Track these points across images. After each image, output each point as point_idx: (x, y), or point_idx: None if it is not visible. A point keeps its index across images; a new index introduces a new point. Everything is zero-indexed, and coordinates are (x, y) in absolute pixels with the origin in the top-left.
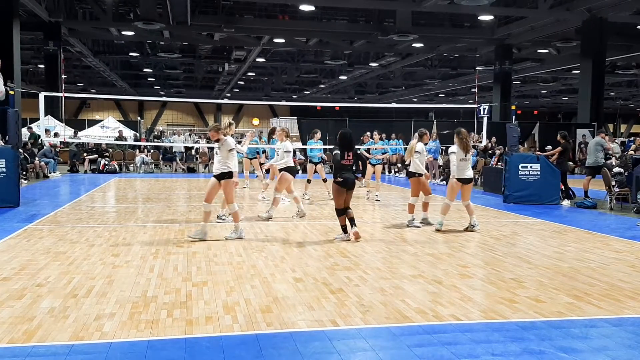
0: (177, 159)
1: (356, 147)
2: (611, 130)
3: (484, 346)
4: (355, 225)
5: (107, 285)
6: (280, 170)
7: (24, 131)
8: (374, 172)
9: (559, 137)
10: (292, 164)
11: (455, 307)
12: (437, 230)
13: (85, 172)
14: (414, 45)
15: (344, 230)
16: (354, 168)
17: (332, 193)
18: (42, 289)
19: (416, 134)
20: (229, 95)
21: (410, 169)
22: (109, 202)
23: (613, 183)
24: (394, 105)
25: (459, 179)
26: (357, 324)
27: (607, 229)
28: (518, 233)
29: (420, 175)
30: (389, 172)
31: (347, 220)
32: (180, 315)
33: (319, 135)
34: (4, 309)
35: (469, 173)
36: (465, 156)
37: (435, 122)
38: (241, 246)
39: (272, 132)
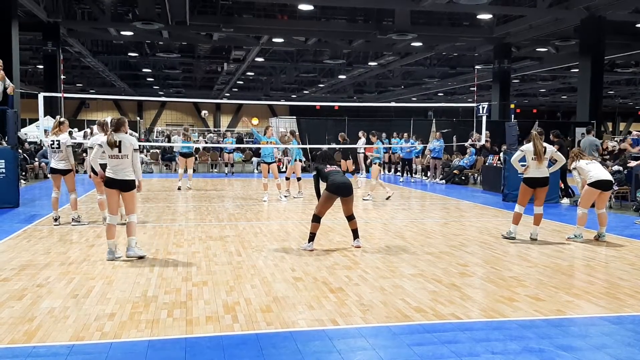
0: (177, 159)
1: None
2: (610, 129)
3: (483, 345)
4: (358, 238)
5: (107, 286)
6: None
7: None
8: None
9: (552, 137)
10: (66, 165)
11: (455, 305)
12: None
13: (85, 172)
14: (412, 44)
15: (312, 238)
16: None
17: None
18: (42, 289)
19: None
20: (228, 95)
21: None
22: None
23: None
24: (393, 104)
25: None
26: (357, 323)
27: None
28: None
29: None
30: (388, 170)
31: (351, 230)
32: (181, 315)
33: (270, 131)
34: (5, 309)
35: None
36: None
37: (434, 121)
38: (241, 246)
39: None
